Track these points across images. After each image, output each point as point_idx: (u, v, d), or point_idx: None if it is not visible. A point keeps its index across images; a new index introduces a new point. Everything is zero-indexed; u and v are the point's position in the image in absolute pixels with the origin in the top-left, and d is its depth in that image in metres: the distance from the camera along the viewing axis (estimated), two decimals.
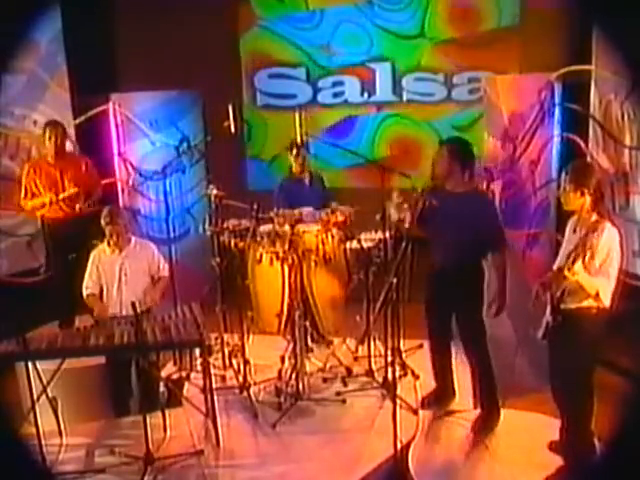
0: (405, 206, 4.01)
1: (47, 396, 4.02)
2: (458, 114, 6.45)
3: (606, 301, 3.26)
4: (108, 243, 4.41)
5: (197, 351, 3.87)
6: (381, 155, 6.57)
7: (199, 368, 4.10)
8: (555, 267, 3.38)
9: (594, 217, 3.27)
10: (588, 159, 4.69)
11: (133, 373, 4.19)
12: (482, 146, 5.14)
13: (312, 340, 4.88)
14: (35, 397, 3.87)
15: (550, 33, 5.56)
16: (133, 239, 4.52)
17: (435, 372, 4.32)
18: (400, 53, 6.52)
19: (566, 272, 3.09)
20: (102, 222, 4.35)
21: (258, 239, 4.70)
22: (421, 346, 4.95)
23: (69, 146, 5.48)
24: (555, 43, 5.43)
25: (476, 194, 4.02)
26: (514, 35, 6.09)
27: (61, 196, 4.97)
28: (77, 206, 4.97)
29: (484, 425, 4.01)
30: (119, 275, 4.39)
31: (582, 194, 3.28)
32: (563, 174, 3.38)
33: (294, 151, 5.25)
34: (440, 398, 4.32)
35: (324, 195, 5.29)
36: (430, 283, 4.10)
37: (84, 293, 4.44)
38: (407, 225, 3.95)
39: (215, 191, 4.77)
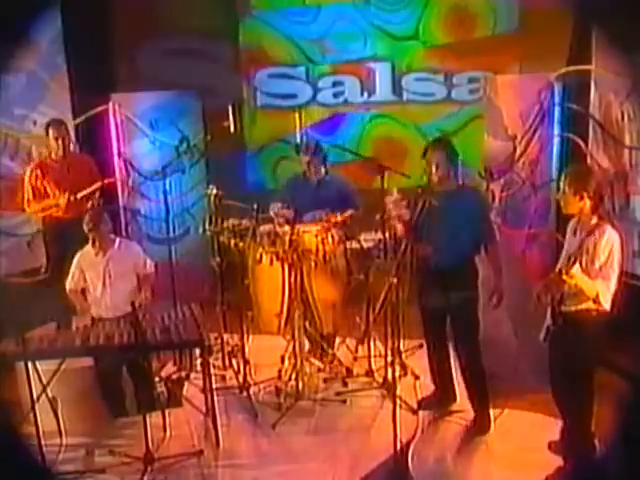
0: (403, 203, 3.99)
1: (47, 396, 4.01)
2: (446, 118, 6.46)
3: (606, 304, 3.25)
4: (92, 244, 4.36)
5: (197, 351, 3.87)
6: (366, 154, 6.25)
7: (199, 368, 4.09)
8: (556, 270, 3.37)
9: (594, 220, 3.26)
10: (588, 160, 4.69)
11: (125, 375, 4.20)
12: (473, 149, 5.18)
13: (311, 342, 4.86)
14: (35, 397, 3.86)
15: (550, 33, 5.55)
16: (117, 240, 4.49)
17: (433, 375, 4.30)
18: (393, 54, 6.53)
19: (564, 275, 3.07)
20: (85, 228, 4.28)
21: (258, 239, 4.69)
22: (421, 346, 4.92)
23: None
24: (555, 43, 5.42)
25: (467, 190, 4.01)
26: (511, 42, 6.08)
27: (79, 195, 4.96)
28: (90, 203, 4.95)
29: (476, 427, 4.00)
30: (103, 277, 4.35)
31: (581, 198, 3.27)
32: (562, 177, 3.37)
33: (302, 154, 4.94)
34: (440, 401, 4.29)
35: (338, 202, 4.86)
36: (424, 283, 4.06)
37: (67, 289, 4.43)
38: (407, 223, 3.91)
39: (215, 191, 4.77)
